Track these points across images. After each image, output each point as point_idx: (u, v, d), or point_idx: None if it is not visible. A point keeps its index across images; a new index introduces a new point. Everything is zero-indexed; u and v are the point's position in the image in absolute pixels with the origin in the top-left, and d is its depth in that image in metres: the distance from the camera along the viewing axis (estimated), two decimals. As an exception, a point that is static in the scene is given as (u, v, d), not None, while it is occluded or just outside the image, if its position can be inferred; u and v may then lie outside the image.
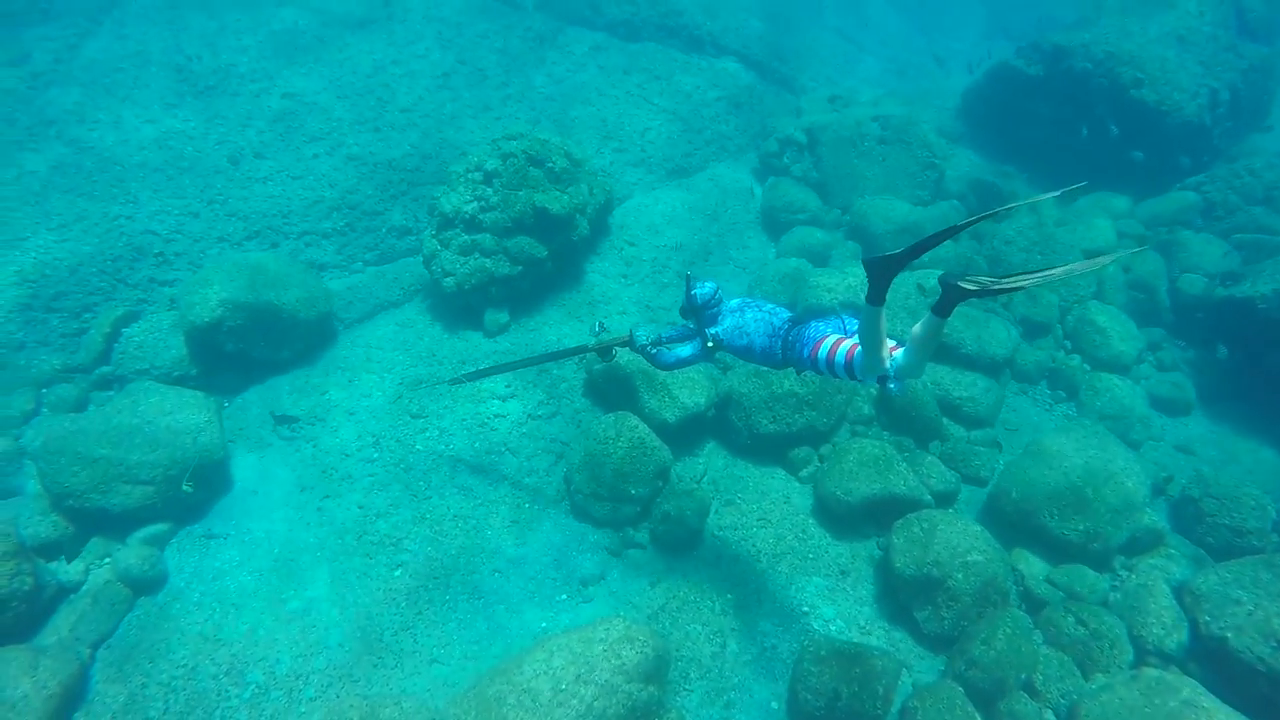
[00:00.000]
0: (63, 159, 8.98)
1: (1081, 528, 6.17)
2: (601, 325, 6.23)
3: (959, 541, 5.86)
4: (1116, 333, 8.30)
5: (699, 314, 5.04)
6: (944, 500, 6.76)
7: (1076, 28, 11.39)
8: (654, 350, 5.15)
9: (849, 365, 4.29)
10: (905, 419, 7.27)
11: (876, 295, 3.85)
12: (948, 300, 3.63)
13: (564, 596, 6.11)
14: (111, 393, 7.38)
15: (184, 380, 7.39)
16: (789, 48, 13.12)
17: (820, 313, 4.86)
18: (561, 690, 4.92)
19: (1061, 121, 10.80)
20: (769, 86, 12.31)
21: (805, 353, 4.56)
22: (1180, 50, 10.55)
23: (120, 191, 8.77)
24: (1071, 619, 5.74)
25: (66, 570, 6.09)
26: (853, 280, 7.88)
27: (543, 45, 12.04)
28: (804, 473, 7.00)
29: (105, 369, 7.52)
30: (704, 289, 4.99)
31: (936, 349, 4.64)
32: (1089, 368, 8.26)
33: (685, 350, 5.04)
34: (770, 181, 10.35)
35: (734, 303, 5.06)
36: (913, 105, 11.79)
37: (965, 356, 7.71)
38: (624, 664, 5.08)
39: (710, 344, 4.93)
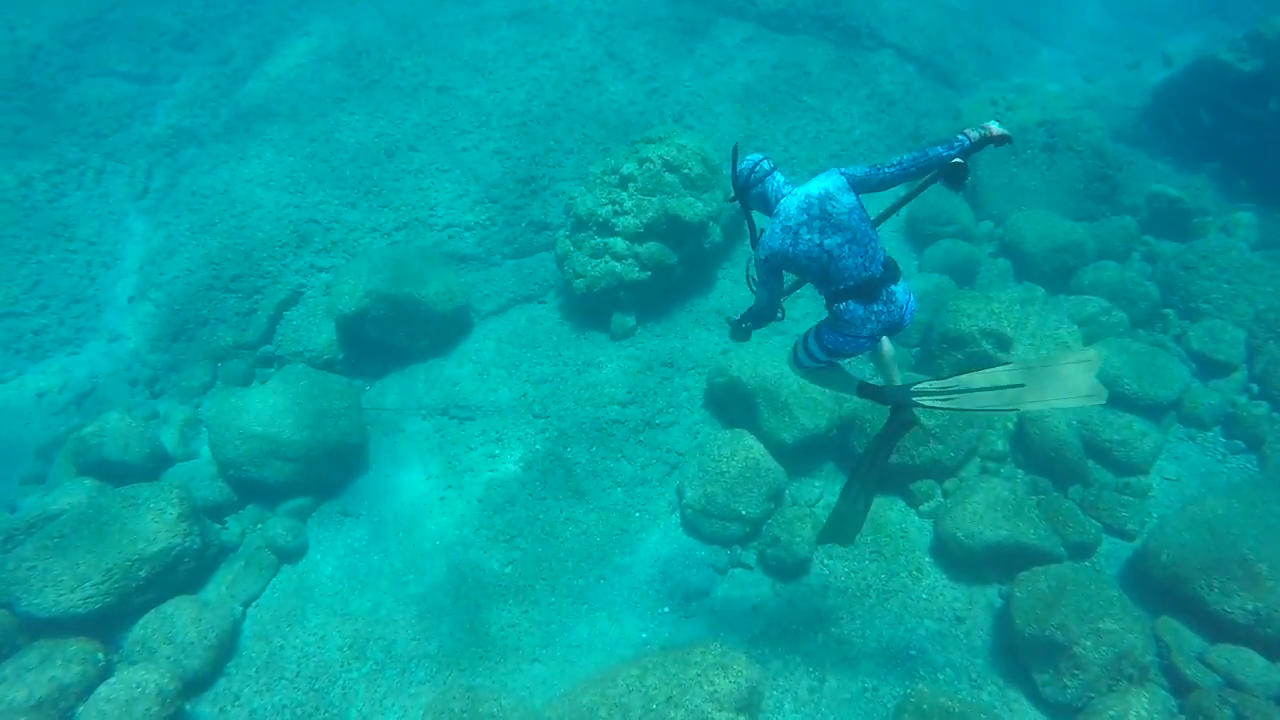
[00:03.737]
0: (246, 150, 9.91)
1: (1250, 608, 5.42)
2: None
3: (1090, 606, 5.36)
4: (1324, 382, 7.20)
5: (744, 196, 4.02)
6: (1080, 552, 6.20)
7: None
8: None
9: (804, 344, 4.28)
10: (1045, 459, 6.73)
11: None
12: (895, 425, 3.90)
13: (666, 609, 6.16)
14: (272, 370, 8.10)
15: (332, 364, 8.03)
16: (955, 41, 12.25)
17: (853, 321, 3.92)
18: (652, 710, 5.00)
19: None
20: (927, 83, 11.57)
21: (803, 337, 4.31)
22: None
23: (290, 181, 9.55)
24: (1230, 712, 4.96)
25: (228, 531, 6.80)
26: (997, 307, 7.27)
27: (693, 37, 11.90)
28: (925, 507, 6.65)
29: (268, 348, 8.28)
30: (744, 163, 3.97)
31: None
32: (1280, 418, 7.26)
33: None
34: (918, 188, 9.78)
35: (790, 217, 3.78)
36: (1091, 107, 10.73)
37: (1121, 395, 7.00)
38: (716, 691, 5.08)
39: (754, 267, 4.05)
